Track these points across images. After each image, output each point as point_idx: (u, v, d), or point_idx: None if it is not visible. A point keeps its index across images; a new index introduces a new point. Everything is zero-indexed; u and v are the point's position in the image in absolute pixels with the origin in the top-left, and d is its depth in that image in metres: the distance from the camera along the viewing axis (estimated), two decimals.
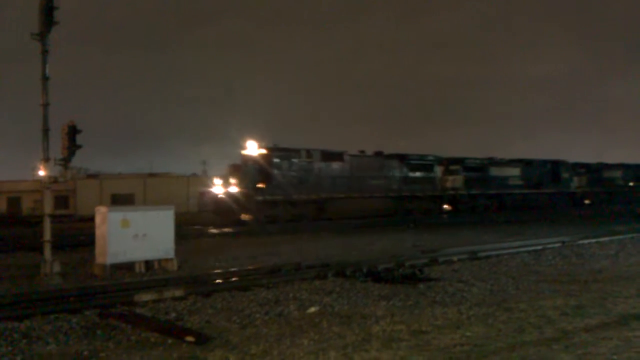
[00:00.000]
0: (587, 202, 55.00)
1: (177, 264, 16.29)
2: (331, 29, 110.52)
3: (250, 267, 15.97)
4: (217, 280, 13.97)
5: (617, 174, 59.04)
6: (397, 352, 7.65)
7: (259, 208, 32.19)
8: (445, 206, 42.79)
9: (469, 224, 33.50)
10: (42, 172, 15.55)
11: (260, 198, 32.27)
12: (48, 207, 15.29)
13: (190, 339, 8.40)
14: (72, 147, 15.74)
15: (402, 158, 40.63)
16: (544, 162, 51.25)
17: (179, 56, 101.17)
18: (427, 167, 41.97)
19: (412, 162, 40.99)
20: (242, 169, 33.28)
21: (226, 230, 29.43)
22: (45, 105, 15.36)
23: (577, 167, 54.50)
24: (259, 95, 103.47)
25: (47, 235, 15.06)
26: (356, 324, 9.25)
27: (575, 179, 53.64)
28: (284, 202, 33.21)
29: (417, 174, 41.07)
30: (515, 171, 48.34)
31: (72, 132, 15.67)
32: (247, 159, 33.79)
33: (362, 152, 39.12)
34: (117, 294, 12.05)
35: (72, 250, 20.49)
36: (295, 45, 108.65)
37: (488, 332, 8.61)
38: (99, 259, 15.65)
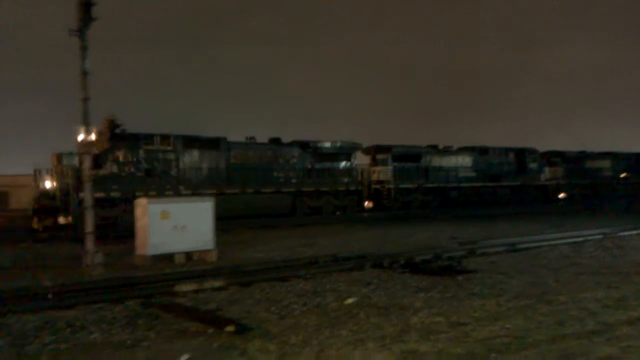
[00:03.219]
0: (561, 196, 47.14)
1: (216, 255, 16.49)
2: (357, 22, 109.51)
3: (287, 259, 16.08)
4: (256, 271, 14.08)
5: (605, 164, 50.73)
6: (436, 343, 7.65)
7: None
8: (367, 203, 36.52)
9: (506, 216, 33.09)
10: (86, 165, 15.82)
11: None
12: (90, 200, 15.57)
13: (230, 328, 8.52)
14: (112, 139, 16.04)
15: (304, 145, 34.07)
16: (505, 150, 44.13)
17: (216, 52, 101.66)
18: (341, 157, 35.26)
19: (319, 150, 34.39)
20: (67, 159, 26.85)
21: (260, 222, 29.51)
22: (85, 100, 15.64)
23: (551, 156, 47.25)
24: (290, 86, 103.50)
25: (89, 226, 15.35)
26: (394, 315, 9.28)
27: (547, 169, 46.39)
28: (120, 200, 26.73)
29: (327, 164, 34.38)
30: (465, 161, 41.62)
31: (112, 125, 15.97)
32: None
33: (252, 138, 32.97)
34: (158, 285, 12.24)
35: (113, 241, 20.85)
36: (325, 39, 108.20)
37: (527, 324, 8.55)
38: (140, 250, 15.94)
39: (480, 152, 42.54)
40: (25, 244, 21.47)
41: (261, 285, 11.99)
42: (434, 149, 40.36)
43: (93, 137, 25.20)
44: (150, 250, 15.71)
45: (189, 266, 15.34)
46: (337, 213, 33.97)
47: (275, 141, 33.72)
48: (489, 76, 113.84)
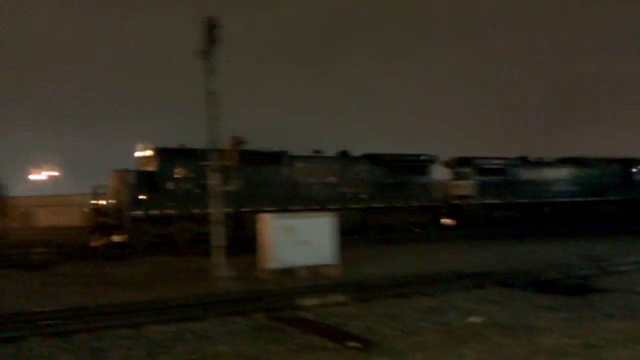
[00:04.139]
0: None
1: (338, 270, 16.64)
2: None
3: (408, 275, 15.97)
4: (377, 287, 14.08)
5: None
6: None
7: (137, 226, 25.53)
8: (445, 220, 34.17)
9: (619, 234, 30.10)
10: (213, 181, 16.48)
11: (138, 213, 25.66)
12: (218, 215, 16.19)
13: (353, 344, 8.58)
14: (238, 156, 16.69)
15: (375, 159, 32.05)
16: (607, 161, 39.48)
17: (335, 68, 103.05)
18: (416, 170, 32.97)
19: (391, 163, 32.23)
20: (124, 176, 26.25)
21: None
22: (214, 119, 16.32)
23: None
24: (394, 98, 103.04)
25: (219, 240, 15.97)
26: (521, 336, 8.99)
27: None
28: (178, 217, 26.29)
29: (400, 178, 32.11)
30: (560, 173, 37.88)
31: (238, 143, 16.62)
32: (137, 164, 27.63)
33: (318, 151, 31.17)
34: (282, 298, 12.52)
35: (238, 255, 21.51)
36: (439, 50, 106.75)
37: None
38: (264, 264, 16.37)
39: (579, 163, 38.84)
40: (157, 258, 22.51)
41: (383, 301, 11.99)
42: (524, 161, 37.40)
43: (149, 153, 26.17)
44: (274, 264, 16.10)
45: (312, 280, 15.56)
46: (418, 230, 31.91)
47: (344, 154, 31.96)
48: (589, 83, 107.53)
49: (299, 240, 16.31)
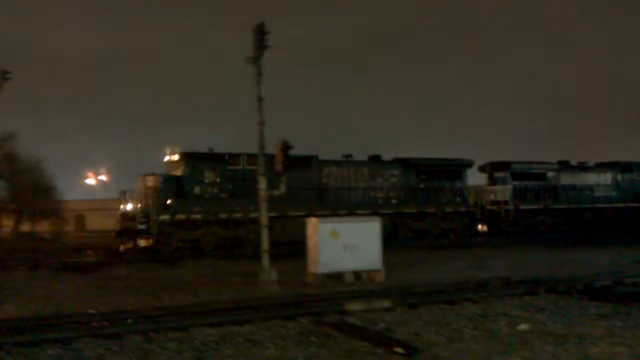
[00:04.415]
0: None
1: (384, 275, 16.59)
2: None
3: (456, 281, 15.80)
4: (424, 293, 13.97)
5: None
6: None
7: (163, 230, 25.59)
8: (480, 226, 33.33)
9: None
10: (262, 186, 16.61)
11: (165, 217, 25.69)
12: (265, 219, 16.32)
13: (399, 350, 8.53)
14: (286, 161, 16.82)
15: (406, 163, 31.55)
16: None
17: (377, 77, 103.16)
18: (449, 175, 32.30)
19: (424, 167, 31.74)
20: (151, 180, 26.43)
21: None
22: (261, 124, 16.49)
23: None
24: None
25: (265, 244, 16.09)
26: (571, 344, 8.80)
27: None
28: (203, 222, 26.33)
29: (432, 183, 31.66)
30: (603, 178, 36.84)
31: (285, 148, 16.74)
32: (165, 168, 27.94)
33: (348, 156, 30.77)
34: (328, 303, 12.52)
35: (285, 259, 21.64)
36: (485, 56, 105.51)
37: None
38: (311, 268, 16.43)
39: (623, 168, 37.72)
40: (206, 261, 22.79)
41: (429, 307, 11.88)
42: (565, 166, 36.41)
43: (176, 157, 26.52)
44: (321, 269, 16.14)
45: (358, 285, 15.55)
46: (452, 236, 31.31)
47: (375, 158, 31.66)
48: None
49: (346, 244, 16.32)
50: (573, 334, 9.49)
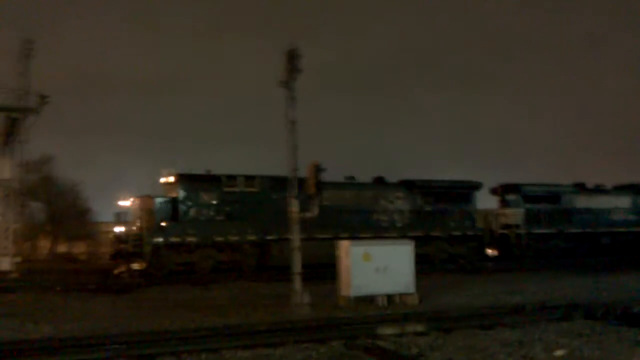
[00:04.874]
0: None
1: (417, 299, 16.44)
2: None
3: (490, 305, 15.60)
4: (458, 317, 13.80)
5: None
6: None
7: (157, 253, 24.99)
8: (489, 251, 32.10)
9: None
10: (294, 209, 16.63)
11: (159, 240, 25.07)
12: (297, 241, 16.33)
13: None
14: (318, 184, 16.82)
15: (411, 185, 30.65)
16: None
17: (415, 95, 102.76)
18: (457, 197, 31.34)
19: (429, 190, 30.82)
20: (145, 202, 26.09)
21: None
22: (294, 148, 16.56)
23: None
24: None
25: (298, 267, 16.08)
26: None
27: None
28: (198, 245, 25.63)
29: (439, 206, 30.75)
30: (621, 201, 35.62)
31: (317, 170, 16.76)
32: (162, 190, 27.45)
33: (351, 178, 30.24)
34: (360, 326, 12.44)
35: (317, 281, 21.57)
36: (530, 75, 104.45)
37: None
38: (343, 291, 16.35)
39: (639, 190, 36.60)
40: (238, 284, 22.81)
41: (463, 332, 11.73)
42: (580, 188, 35.32)
43: (172, 179, 25.72)
44: (353, 292, 16.06)
45: (391, 309, 15.43)
46: (461, 261, 30.26)
47: (379, 180, 31.01)
48: None
49: (378, 267, 16.24)
50: None
